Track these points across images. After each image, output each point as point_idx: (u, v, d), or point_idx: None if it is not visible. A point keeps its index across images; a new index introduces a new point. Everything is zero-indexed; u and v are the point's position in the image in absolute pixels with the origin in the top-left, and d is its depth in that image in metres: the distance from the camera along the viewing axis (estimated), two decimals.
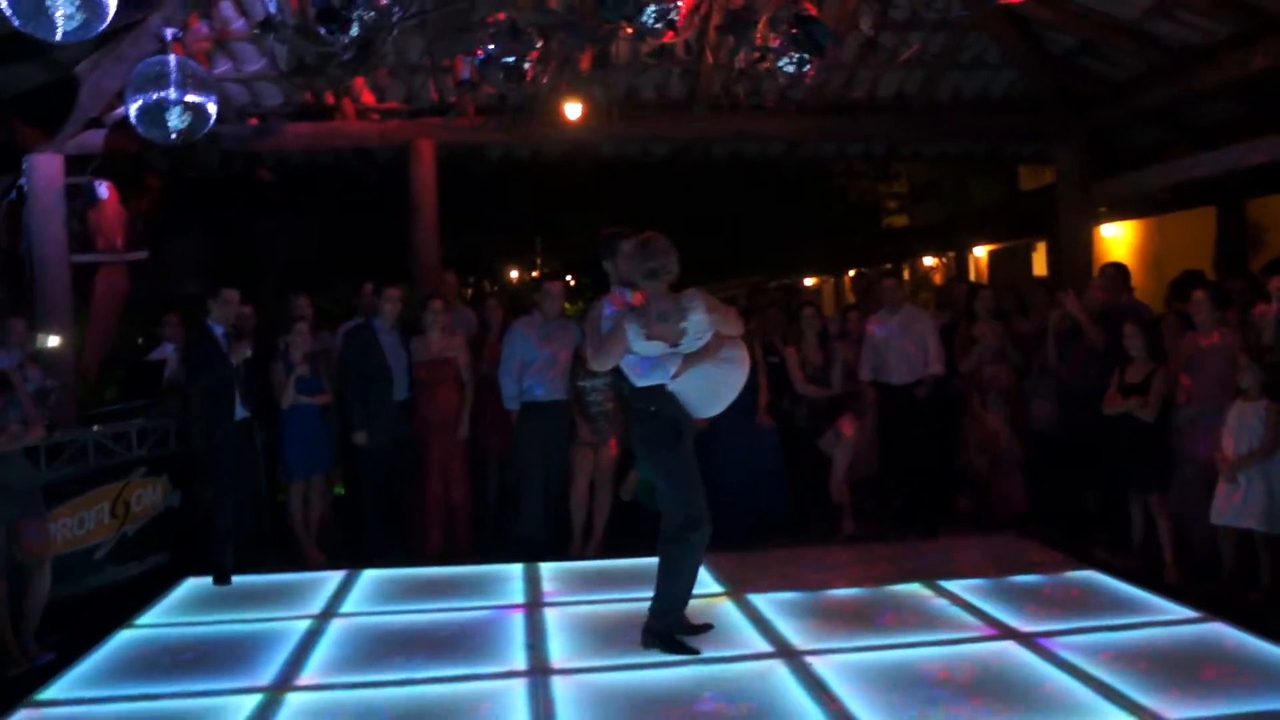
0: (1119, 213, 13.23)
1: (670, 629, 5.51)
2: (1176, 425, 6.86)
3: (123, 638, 6.10)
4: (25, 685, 5.37)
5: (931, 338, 8.40)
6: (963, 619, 5.96)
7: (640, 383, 5.51)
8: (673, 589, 5.51)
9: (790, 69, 7.29)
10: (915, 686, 4.93)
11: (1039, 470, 8.23)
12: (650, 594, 5.60)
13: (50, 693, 5.27)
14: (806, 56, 7.18)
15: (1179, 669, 5.06)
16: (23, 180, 8.93)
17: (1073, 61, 9.37)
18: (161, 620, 6.51)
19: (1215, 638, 5.55)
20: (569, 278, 20.25)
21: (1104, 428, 7.04)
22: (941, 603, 6.26)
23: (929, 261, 20.52)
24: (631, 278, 5.52)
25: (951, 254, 19.75)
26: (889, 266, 19.15)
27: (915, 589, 6.56)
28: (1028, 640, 5.54)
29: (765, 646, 5.54)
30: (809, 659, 5.32)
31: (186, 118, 7.40)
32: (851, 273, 18.36)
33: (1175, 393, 6.83)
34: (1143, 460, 6.82)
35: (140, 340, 10.07)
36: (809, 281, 23.46)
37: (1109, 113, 9.67)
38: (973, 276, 18.73)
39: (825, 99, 9.66)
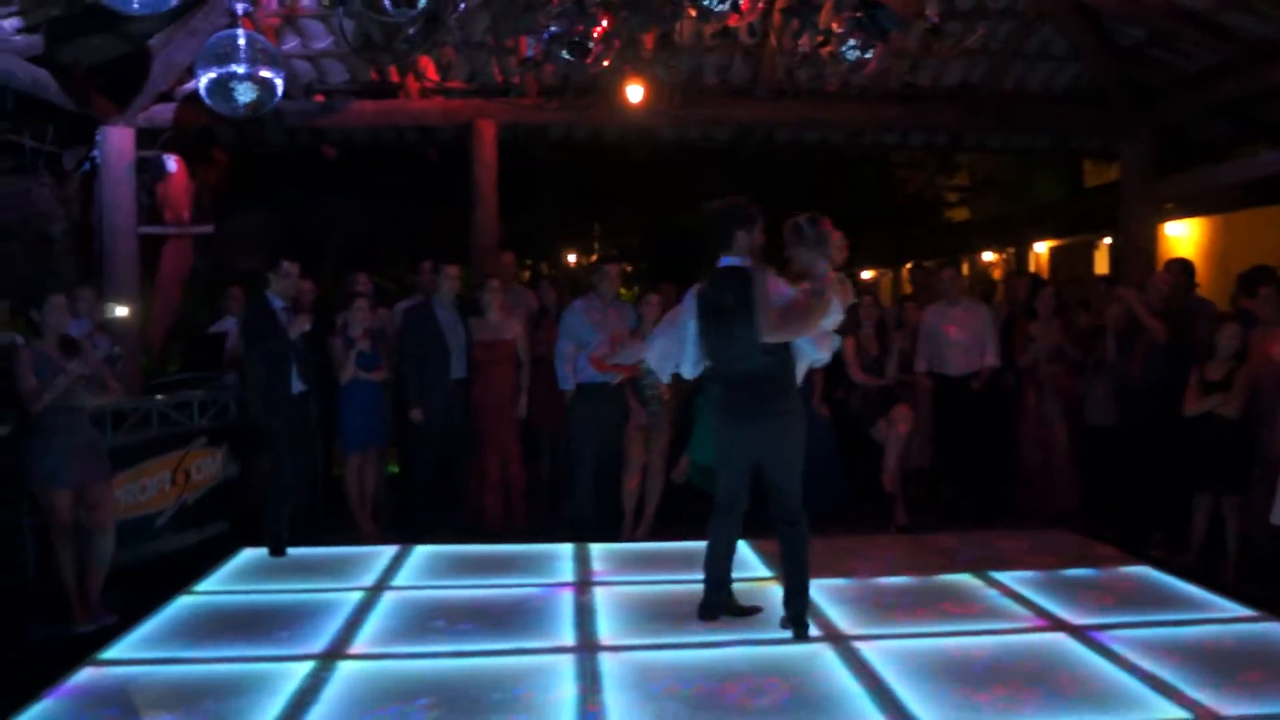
0: (1185, 210, 12.98)
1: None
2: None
3: (181, 603, 6.23)
4: (90, 644, 5.51)
5: (989, 330, 8.33)
6: (1014, 610, 5.93)
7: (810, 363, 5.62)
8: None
9: (854, 55, 7.26)
10: (964, 675, 4.90)
11: (1095, 467, 8.13)
12: (698, 576, 5.63)
13: (112, 652, 5.40)
14: (871, 42, 7.14)
15: (1233, 666, 4.99)
16: (95, 152, 9.11)
17: (1141, 53, 9.20)
18: (219, 588, 6.65)
19: (1272, 636, 5.47)
20: (626, 264, 20.26)
21: (1180, 426, 6.92)
22: (993, 593, 6.22)
23: (988, 257, 20.28)
24: (808, 261, 5.50)
25: (1012, 249, 19.50)
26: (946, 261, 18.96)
27: (966, 579, 6.53)
28: (1079, 633, 5.49)
29: (814, 631, 5.53)
30: (857, 644, 5.32)
31: (254, 93, 7.49)
32: (909, 265, 18.24)
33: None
34: (1223, 460, 6.69)
35: (204, 313, 10.22)
36: (867, 274, 23.30)
37: (1177, 106, 9.49)
38: (1033, 273, 18.52)
39: (889, 87, 9.58)
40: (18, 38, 7.71)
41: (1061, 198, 18.82)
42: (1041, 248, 18.68)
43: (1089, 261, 16.73)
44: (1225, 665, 4.99)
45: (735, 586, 5.82)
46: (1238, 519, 6.65)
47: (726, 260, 5.53)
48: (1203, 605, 6.01)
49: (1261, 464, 6.53)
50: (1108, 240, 15.42)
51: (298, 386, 7.53)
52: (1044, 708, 4.54)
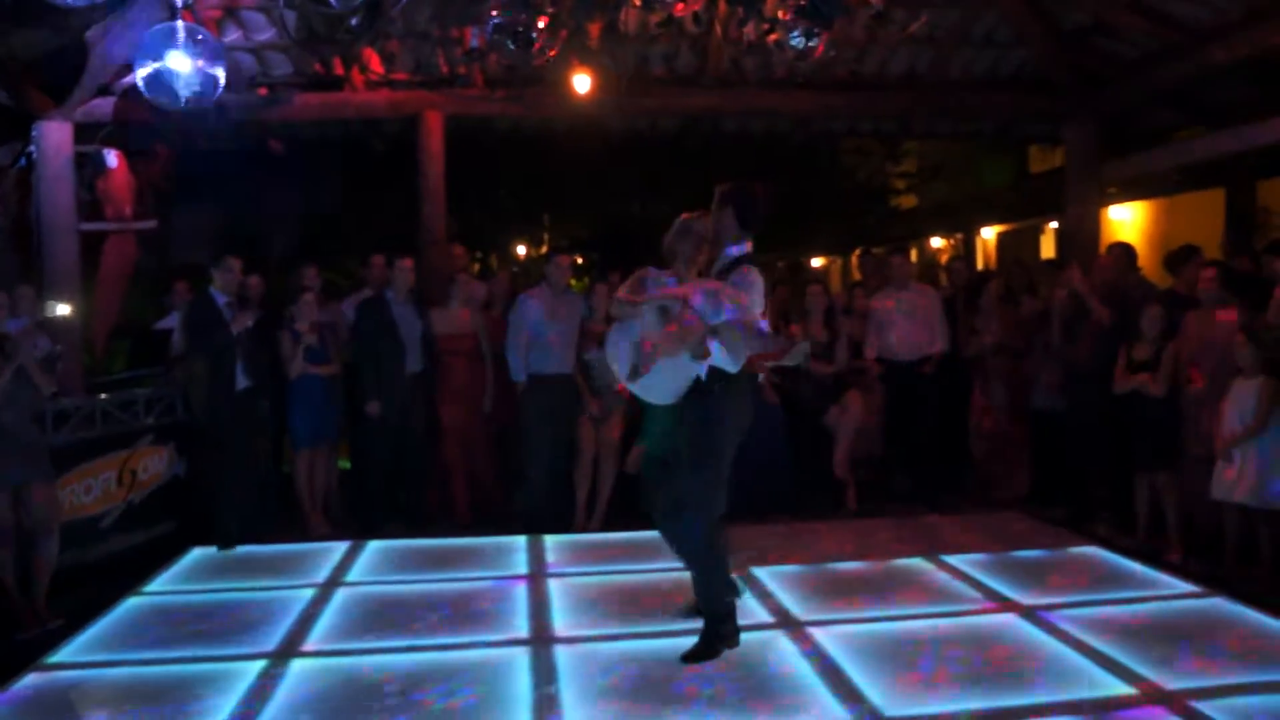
0: (1128, 194, 13.18)
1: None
2: (1184, 404, 6.86)
3: (130, 605, 6.16)
4: (35, 649, 5.43)
5: (938, 315, 8.41)
6: (964, 592, 6.01)
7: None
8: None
9: (799, 43, 7.27)
10: (915, 657, 4.95)
11: (1043, 451, 8.24)
12: (650, 566, 5.64)
13: (59, 656, 5.33)
14: (815, 30, 7.16)
15: (1179, 641, 5.09)
16: (32, 147, 8.93)
17: (1085, 39, 9.30)
18: (168, 588, 6.56)
19: (1216, 612, 5.58)
20: (577, 256, 20.23)
21: (1112, 406, 7.04)
22: (943, 576, 6.30)
23: (937, 243, 20.45)
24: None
25: (960, 235, 19.68)
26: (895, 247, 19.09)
27: (917, 563, 6.60)
28: (1028, 613, 5.57)
29: (767, 617, 5.56)
30: (810, 629, 5.36)
31: (195, 85, 7.39)
32: (858, 252, 18.33)
33: (1183, 372, 6.82)
34: (1152, 438, 6.82)
35: (149, 310, 10.08)
36: (817, 262, 23.40)
37: (1120, 92, 9.61)
38: (981, 258, 18.69)
39: (835, 75, 9.61)
40: None
41: (1007, 183, 19.03)
42: (989, 233, 18.88)
43: (1035, 246, 16.93)
44: (1171, 641, 5.09)
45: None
46: (1174, 496, 6.77)
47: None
48: (1149, 584, 6.12)
49: (1201, 441, 6.64)
50: (1053, 225, 15.61)
51: (243, 382, 7.45)
52: (995, 687, 4.60)
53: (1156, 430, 6.78)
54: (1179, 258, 7.49)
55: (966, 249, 18.88)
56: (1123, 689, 4.55)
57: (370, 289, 8.38)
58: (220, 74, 7.56)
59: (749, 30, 7.58)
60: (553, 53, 7.56)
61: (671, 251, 5.27)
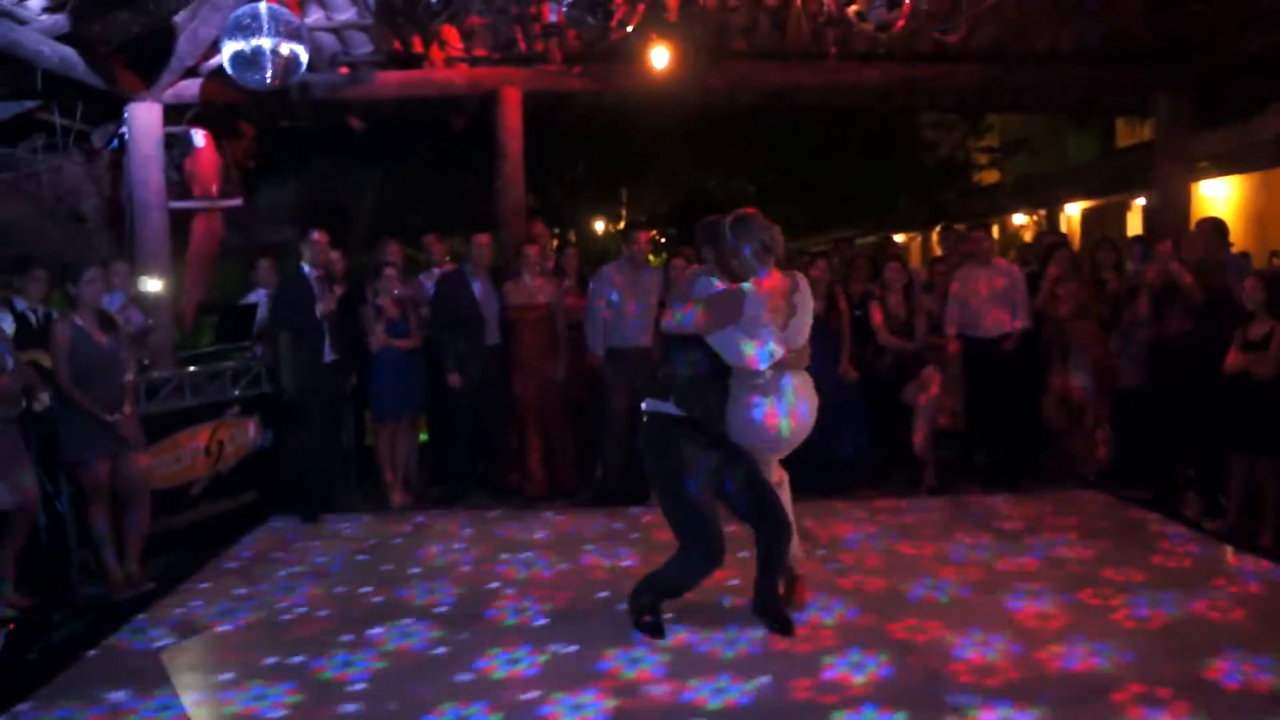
0: (1221, 168, 12.81)
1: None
2: None
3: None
4: (130, 610, 5.63)
5: (1019, 292, 8.26)
6: (1041, 571, 5.91)
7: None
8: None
9: (879, 15, 7.18)
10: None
11: (1129, 428, 8.06)
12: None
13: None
14: (898, 1, 7.06)
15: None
16: (123, 129, 9.18)
17: (1176, 6, 9.03)
18: (253, 555, 6.78)
19: None
20: (655, 231, 20.22)
21: (1204, 385, 6.83)
22: (1022, 556, 6.21)
23: (1019, 219, 20.08)
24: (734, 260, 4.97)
25: (1043, 211, 19.30)
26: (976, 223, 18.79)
27: (996, 540, 6.55)
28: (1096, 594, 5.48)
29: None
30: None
31: (278, 65, 7.53)
32: (939, 227, 18.12)
33: None
34: (1259, 421, 6.58)
35: (235, 286, 10.32)
36: (898, 238, 23.15)
37: (1213, 61, 9.32)
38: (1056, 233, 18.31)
39: (917, 47, 9.46)
40: (44, 16, 7.77)
41: (1093, 158, 18.60)
42: (1073, 209, 18.49)
43: (1121, 223, 16.55)
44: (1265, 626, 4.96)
45: None
46: (1275, 482, 6.55)
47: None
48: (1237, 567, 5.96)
49: None
50: (1140, 201, 15.24)
51: (329, 356, 7.60)
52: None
53: (1262, 414, 6.54)
54: None
55: (1050, 226, 18.50)
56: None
57: (430, 268, 8.48)
58: (303, 54, 7.69)
59: (829, 1, 7.51)
60: (631, 26, 7.55)
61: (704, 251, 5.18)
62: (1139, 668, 4.46)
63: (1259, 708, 4.06)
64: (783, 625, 4.99)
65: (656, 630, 5.00)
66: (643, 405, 4.98)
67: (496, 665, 4.70)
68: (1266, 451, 6.53)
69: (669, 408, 4.88)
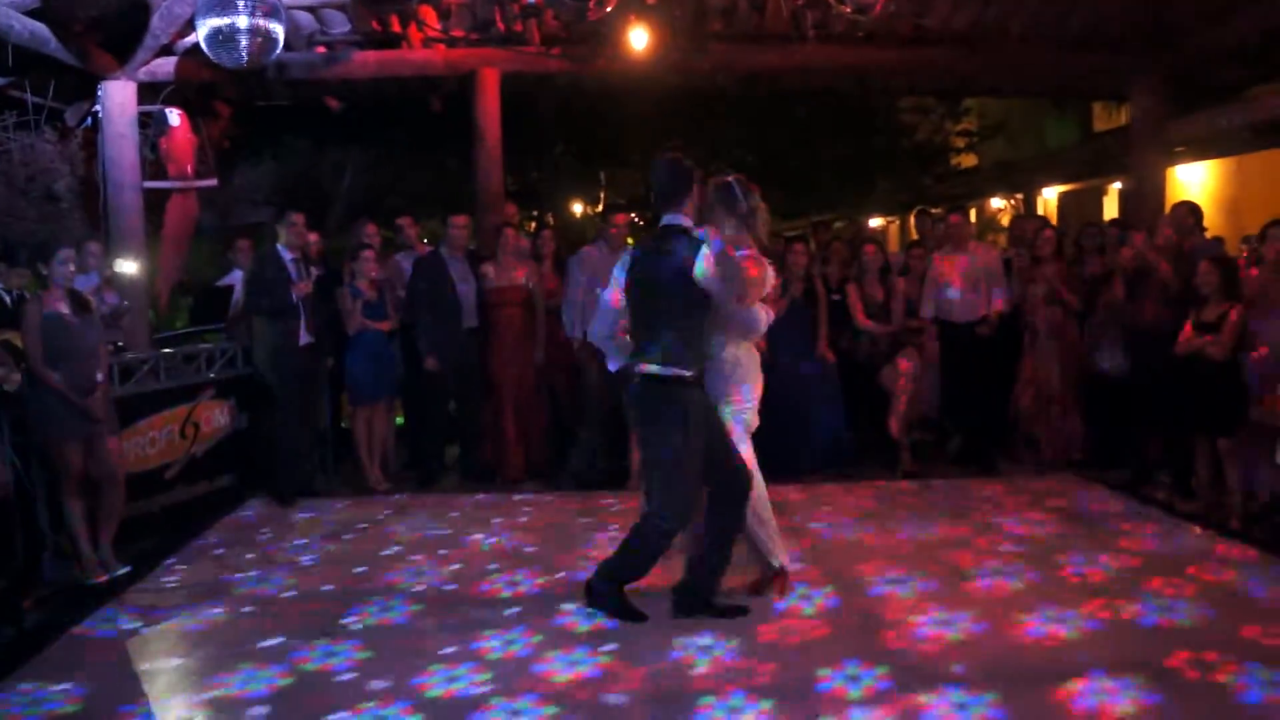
0: (1196, 153, 12.88)
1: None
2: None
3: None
4: (103, 594, 5.61)
5: (996, 276, 8.30)
6: (1005, 551, 5.96)
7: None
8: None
9: None
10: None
11: (1104, 413, 8.12)
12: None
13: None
14: None
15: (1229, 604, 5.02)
16: (97, 107, 9.08)
17: None
18: (228, 537, 6.75)
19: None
20: (633, 214, 20.17)
21: (1175, 369, 6.89)
22: (989, 538, 6.26)
23: (997, 203, 20.13)
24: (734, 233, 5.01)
25: (1020, 196, 19.35)
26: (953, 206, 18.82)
27: (966, 523, 6.59)
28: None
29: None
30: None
31: (255, 43, 7.46)
32: (915, 211, 18.18)
33: (1248, 336, 6.64)
34: (1212, 402, 6.67)
35: (211, 267, 10.26)
36: (875, 222, 23.15)
37: (1190, 47, 9.36)
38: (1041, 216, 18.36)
39: (896, 30, 9.45)
40: None
41: (1071, 143, 18.65)
42: (1051, 193, 18.55)
43: (1098, 207, 16.61)
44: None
45: None
46: (1233, 464, 6.61)
47: (672, 219, 4.93)
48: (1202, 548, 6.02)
49: (1263, 409, 6.49)
50: (1117, 185, 15.30)
51: (305, 338, 7.57)
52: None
53: (1217, 395, 6.62)
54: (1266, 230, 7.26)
55: (1027, 210, 18.56)
56: None
57: (402, 250, 8.44)
58: (280, 32, 7.62)
59: None
60: (609, 7, 7.52)
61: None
62: (1099, 649, 4.48)
63: (1213, 690, 4.09)
64: (722, 611, 4.93)
65: (631, 612, 4.95)
66: (636, 367, 4.86)
67: (487, 646, 4.69)
68: (1221, 432, 6.60)
69: (669, 369, 4.78)
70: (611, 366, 5.16)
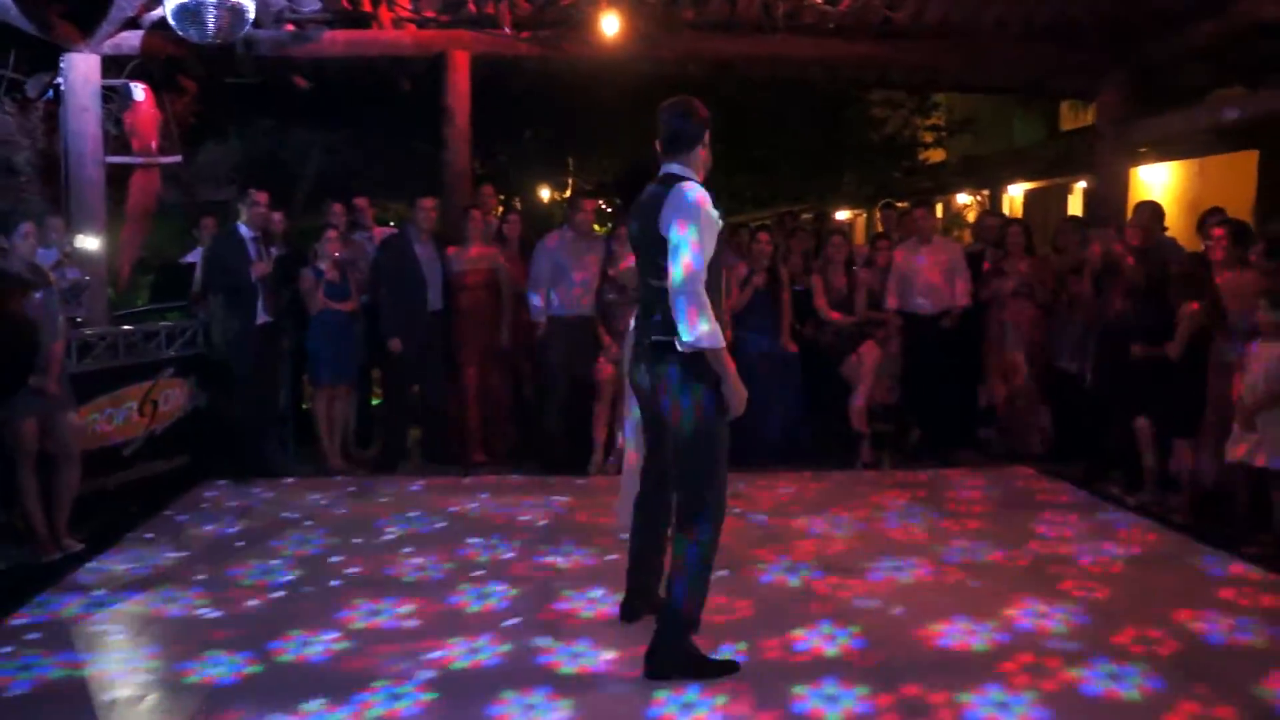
0: (1160, 154, 13.01)
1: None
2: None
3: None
4: (57, 572, 5.56)
5: (960, 270, 8.38)
6: (957, 542, 6.04)
7: None
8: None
9: None
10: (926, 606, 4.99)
11: (1069, 408, 8.20)
12: None
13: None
14: None
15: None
16: (59, 79, 8.95)
17: None
18: (185, 517, 6.71)
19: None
20: (601, 201, 20.16)
21: (1135, 369, 6.96)
22: (940, 528, 6.35)
23: (963, 199, 20.26)
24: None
25: (986, 192, 19.50)
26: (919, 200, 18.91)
27: (920, 513, 6.68)
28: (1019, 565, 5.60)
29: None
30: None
31: (223, 19, 7.38)
32: (881, 204, 18.30)
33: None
34: (1169, 402, 6.74)
35: (173, 244, 10.16)
36: (843, 214, 23.25)
37: (1155, 48, 9.45)
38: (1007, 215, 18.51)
39: (867, 22, 9.48)
40: None
41: (1037, 141, 18.81)
42: (1016, 190, 18.70)
43: (1063, 204, 16.76)
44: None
45: None
46: (1190, 462, 6.69)
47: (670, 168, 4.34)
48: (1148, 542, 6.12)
49: (1214, 403, 6.58)
50: (1081, 184, 15.44)
51: (262, 317, 7.52)
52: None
53: (1173, 394, 6.70)
54: (1205, 220, 7.39)
55: (993, 205, 18.70)
56: None
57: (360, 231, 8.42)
58: (249, 9, 7.55)
59: None
60: None
61: None
62: (1034, 639, 4.54)
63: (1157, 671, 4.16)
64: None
65: (724, 666, 4.22)
66: (653, 337, 4.23)
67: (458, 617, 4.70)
68: (1181, 432, 6.69)
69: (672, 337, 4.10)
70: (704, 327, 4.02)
